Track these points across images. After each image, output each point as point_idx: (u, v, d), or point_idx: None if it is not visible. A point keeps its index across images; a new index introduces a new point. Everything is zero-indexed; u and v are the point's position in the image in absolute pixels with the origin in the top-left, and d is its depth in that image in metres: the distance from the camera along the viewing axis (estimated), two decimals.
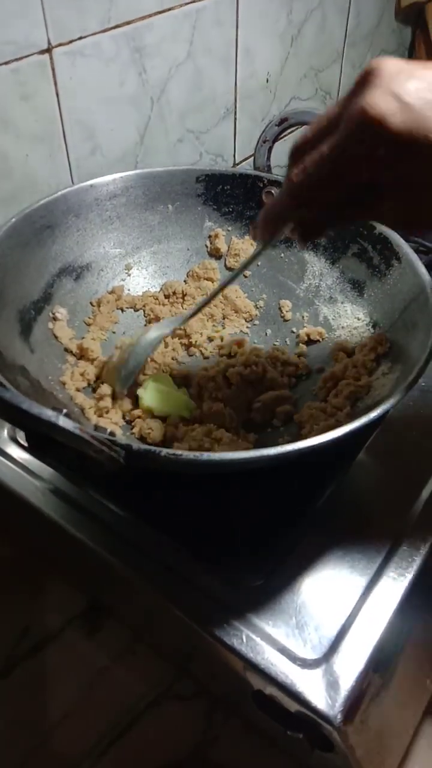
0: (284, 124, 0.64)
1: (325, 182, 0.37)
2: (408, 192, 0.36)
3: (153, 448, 0.39)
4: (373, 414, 0.42)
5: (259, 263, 0.66)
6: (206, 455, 0.40)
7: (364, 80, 0.35)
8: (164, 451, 0.39)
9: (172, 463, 0.39)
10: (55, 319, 0.57)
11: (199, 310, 0.55)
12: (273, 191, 0.64)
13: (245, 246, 0.66)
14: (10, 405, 0.31)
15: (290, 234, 0.42)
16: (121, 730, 0.52)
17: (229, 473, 0.47)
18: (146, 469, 0.41)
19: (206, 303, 0.54)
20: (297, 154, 0.39)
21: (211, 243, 0.66)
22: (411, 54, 1.20)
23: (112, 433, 0.39)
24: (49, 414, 0.32)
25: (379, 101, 0.33)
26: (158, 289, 0.65)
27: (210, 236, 0.66)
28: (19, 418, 0.32)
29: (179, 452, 0.39)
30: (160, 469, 0.41)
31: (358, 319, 0.59)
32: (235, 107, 0.85)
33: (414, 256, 0.55)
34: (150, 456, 0.38)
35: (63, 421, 0.33)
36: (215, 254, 0.66)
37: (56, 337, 0.57)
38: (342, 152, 0.35)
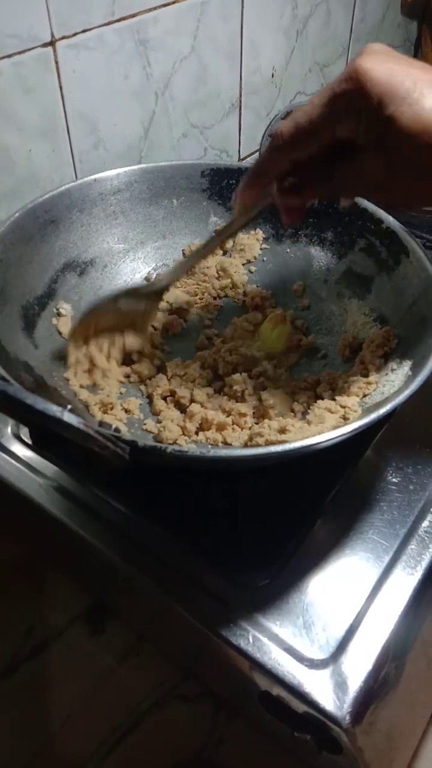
0: None
1: (312, 129, 0.40)
2: (384, 155, 0.39)
3: (159, 444, 0.38)
4: (383, 410, 0.41)
5: (264, 258, 0.65)
6: (212, 451, 0.39)
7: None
8: (170, 447, 0.38)
9: (177, 460, 0.39)
10: (59, 314, 0.57)
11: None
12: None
13: (251, 241, 0.65)
14: (14, 400, 0.31)
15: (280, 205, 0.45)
16: (126, 731, 0.52)
17: (235, 470, 0.47)
18: (151, 465, 0.40)
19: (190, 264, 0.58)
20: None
21: None
22: (417, 49, 1.20)
23: (117, 429, 0.38)
24: (54, 409, 0.32)
25: (369, 59, 0.38)
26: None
27: (215, 231, 0.66)
28: (24, 414, 0.32)
29: (185, 448, 0.38)
30: (165, 466, 0.40)
31: (366, 315, 0.58)
32: (240, 102, 0.85)
33: (422, 252, 0.54)
34: (156, 452, 0.38)
35: (68, 417, 0.32)
36: (220, 249, 0.66)
37: (60, 333, 0.56)
38: (330, 100, 0.39)
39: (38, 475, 0.52)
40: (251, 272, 0.66)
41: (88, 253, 0.61)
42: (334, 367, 0.57)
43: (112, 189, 0.61)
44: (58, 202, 0.57)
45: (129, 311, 0.56)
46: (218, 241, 0.56)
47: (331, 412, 0.49)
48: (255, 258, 0.66)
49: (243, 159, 0.90)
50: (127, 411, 0.53)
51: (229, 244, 0.66)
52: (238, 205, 0.49)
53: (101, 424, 0.40)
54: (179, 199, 0.64)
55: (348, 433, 0.40)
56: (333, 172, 0.43)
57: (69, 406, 0.34)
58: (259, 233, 0.66)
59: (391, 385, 0.48)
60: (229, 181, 0.64)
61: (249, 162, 0.89)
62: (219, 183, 0.64)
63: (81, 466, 0.51)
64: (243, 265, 0.65)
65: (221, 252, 0.66)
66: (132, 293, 0.56)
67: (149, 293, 0.57)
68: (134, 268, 0.64)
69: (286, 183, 0.45)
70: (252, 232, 0.66)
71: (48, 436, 0.37)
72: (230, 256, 0.66)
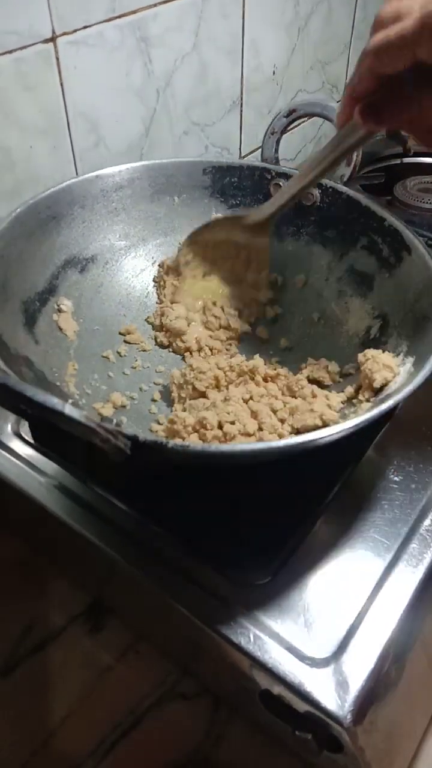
0: (293, 115, 0.63)
1: (400, 44, 0.40)
2: None
3: (160, 439, 0.38)
4: (385, 406, 0.41)
5: None
6: (214, 446, 0.39)
7: None
8: (171, 442, 0.38)
9: (178, 454, 0.38)
10: (59, 310, 0.57)
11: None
12: (281, 183, 0.63)
13: None
14: (14, 392, 0.31)
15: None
16: (124, 730, 0.51)
17: (236, 465, 0.46)
18: (152, 460, 0.40)
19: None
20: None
21: None
22: None
23: (118, 424, 0.38)
24: (54, 402, 0.31)
25: None
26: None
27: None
28: (23, 407, 0.31)
29: (186, 443, 0.38)
30: (166, 461, 0.40)
31: (368, 313, 0.58)
32: (242, 100, 0.85)
33: (425, 249, 0.54)
34: (157, 447, 0.38)
35: (69, 410, 0.32)
36: None
37: (61, 329, 0.56)
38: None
39: (38, 473, 0.52)
40: None
41: (90, 249, 0.60)
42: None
43: (113, 185, 0.61)
44: (59, 198, 0.57)
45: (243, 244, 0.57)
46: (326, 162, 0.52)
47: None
48: None
49: (244, 157, 0.90)
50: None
51: None
52: (337, 128, 0.49)
53: (103, 418, 0.40)
54: (181, 196, 0.64)
55: (349, 428, 0.40)
56: (415, 100, 0.43)
57: (70, 401, 0.34)
58: None
59: (393, 383, 0.48)
60: (230, 178, 0.64)
61: (250, 159, 0.89)
62: (221, 181, 0.64)
63: (81, 463, 0.51)
64: None
65: None
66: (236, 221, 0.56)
67: (254, 225, 0.57)
68: (135, 265, 0.64)
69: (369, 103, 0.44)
70: None
71: (49, 432, 0.36)
72: None
